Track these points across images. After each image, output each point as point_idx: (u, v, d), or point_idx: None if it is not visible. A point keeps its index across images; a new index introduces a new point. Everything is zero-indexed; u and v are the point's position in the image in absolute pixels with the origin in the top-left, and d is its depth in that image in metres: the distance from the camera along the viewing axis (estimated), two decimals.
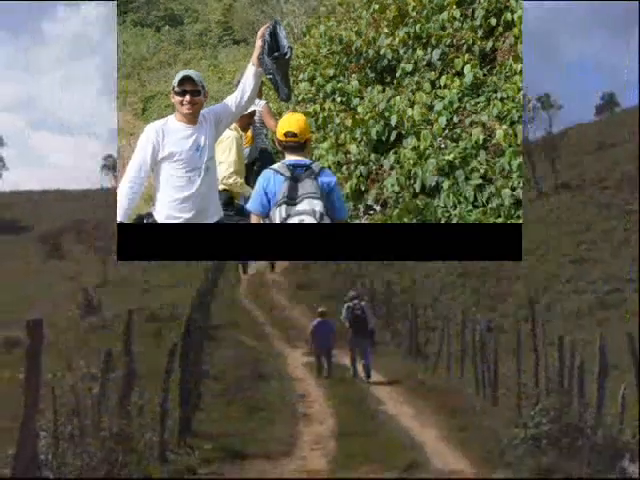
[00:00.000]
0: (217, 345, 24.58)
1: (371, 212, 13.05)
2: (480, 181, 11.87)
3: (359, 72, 14.82)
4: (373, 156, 13.50)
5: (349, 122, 13.72)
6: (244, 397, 16.98)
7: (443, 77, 13.05)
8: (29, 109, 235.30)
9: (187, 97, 7.97)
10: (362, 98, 14.27)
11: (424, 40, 13.82)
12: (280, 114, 14.11)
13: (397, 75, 14.05)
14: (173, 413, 12.36)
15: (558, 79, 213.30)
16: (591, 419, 11.55)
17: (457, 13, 13.37)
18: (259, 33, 8.22)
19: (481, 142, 12.07)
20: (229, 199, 10.77)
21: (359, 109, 13.87)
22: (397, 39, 14.15)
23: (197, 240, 7.96)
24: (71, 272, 52.02)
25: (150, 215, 8.31)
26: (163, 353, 12.60)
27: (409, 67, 13.85)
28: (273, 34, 8.18)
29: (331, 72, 15.26)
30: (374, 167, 13.44)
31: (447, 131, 12.56)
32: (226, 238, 8.03)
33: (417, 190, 12.41)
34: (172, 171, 8.08)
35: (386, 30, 14.46)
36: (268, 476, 11.39)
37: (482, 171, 11.92)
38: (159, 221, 8.19)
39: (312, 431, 14.55)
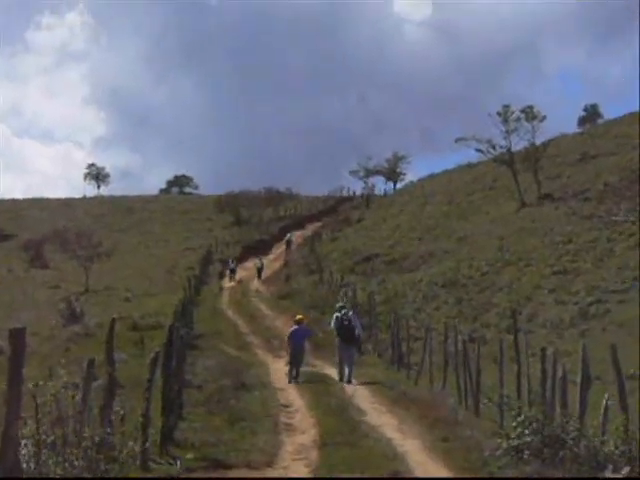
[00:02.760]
0: (199, 354, 24.54)
1: None
2: None
3: None
4: None
5: None
6: (226, 407, 16.92)
7: None
8: (13, 117, 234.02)
9: None
10: None
11: None
12: None
13: None
14: (155, 422, 12.31)
15: (541, 90, 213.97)
16: (573, 430, 11.58)
17: None
18: None
19: None
20: None
21: None
22: None
23: None
24: (54, 280, 51.83)
25: None
26: (145, 362, 12.57)
27: None
28: None
29: None
30: None
31: None
32: None
33: None
34: None
35: None
36: None
37: None
38: None
39: (294, 441, 14.52)
